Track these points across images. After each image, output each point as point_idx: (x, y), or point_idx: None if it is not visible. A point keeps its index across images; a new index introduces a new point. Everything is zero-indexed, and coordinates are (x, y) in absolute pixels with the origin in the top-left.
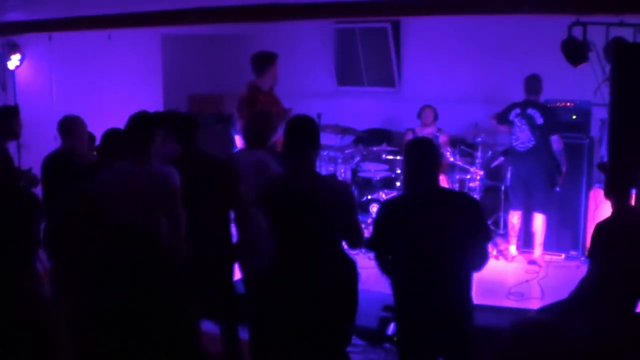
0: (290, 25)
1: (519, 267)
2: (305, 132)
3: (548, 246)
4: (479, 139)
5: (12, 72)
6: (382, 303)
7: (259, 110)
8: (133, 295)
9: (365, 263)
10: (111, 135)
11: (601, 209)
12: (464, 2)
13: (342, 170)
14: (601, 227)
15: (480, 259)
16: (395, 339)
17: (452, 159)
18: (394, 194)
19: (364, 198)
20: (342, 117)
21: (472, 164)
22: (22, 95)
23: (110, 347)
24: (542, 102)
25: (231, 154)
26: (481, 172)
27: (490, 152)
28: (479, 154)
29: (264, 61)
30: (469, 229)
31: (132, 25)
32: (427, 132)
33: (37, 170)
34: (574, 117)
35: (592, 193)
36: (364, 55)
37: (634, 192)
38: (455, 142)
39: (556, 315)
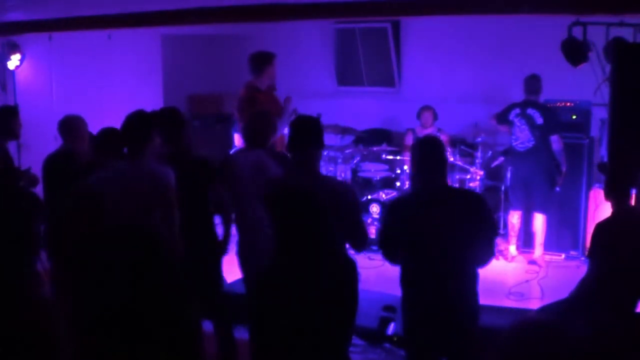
0: (290, 25)
1: (519, 267)
2: (308, 132)
3: (548, 246)
4: (479, 139)
5: (12, 72)
6: (382, 303)
7: (258, 110)
8: (133, 295)
9: (365, 263)
10: (106, 134)
11: (601, 209)
12: (464, 2)
13: (342, 170)
14: (601, 227)
15: (488, 254)
16: (395, 338)
17: (452, 159)
18: (394, 194)
19: (364, 198)
20: (342, 117)
21: (472, 164)
22: (22, 95)
23: (111, 348)
24: (542, 102)
25: (230, 154)
26: (481, 172)
27: (490, 152)
28: (479, 154)
29: (262, 61)
30: (477, 226)
31: (132, 25)
32: (427, 132)
33: (36, 170)
34: (574, 117)
35: (592, 193)
36: (364, 55)
37: (634, 192)
38: (455, 142)
39: (556, 315)
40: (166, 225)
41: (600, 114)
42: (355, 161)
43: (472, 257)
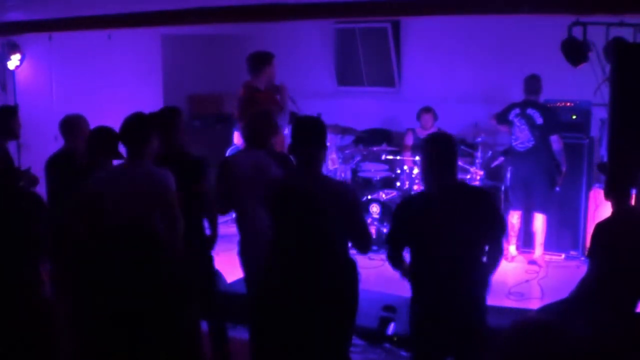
0: (290, 25)
1: (519, 267)
2: (311, 132)
3: (548, 246)
4: (479, 139)
5: (12, 72)
6: (382, 303)
7: (259, 110)
8: (133, 295)
9: (365, 263)
10: (99, 133)
11: (601, 209)
12: (464, 2)
13: (342, 170)
14: (601, 227)
15: (497, 253)
16: (395, 338)
17: None
18: (394, 194)
19: (364, 198)
20: (342, 117)
21: (472, 164)
22: (22, 95)
23: (111, 347)
24: (542, 102)
25: (230, 155)
26: (481, 172)
27: (490, 152)
28: (479, 154)
29: (261, 61)
30: (486, 223)
31: (132, 25)
32: (427, 132)
33: (36, 170)
34: (574, 117)
35: (592, 193)
36: (364, 55)
37: (634, 192)
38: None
39: (556, 315)
40: (169, 226)
41: (600, 114)
42: (355, 161)
43: (481, 255)
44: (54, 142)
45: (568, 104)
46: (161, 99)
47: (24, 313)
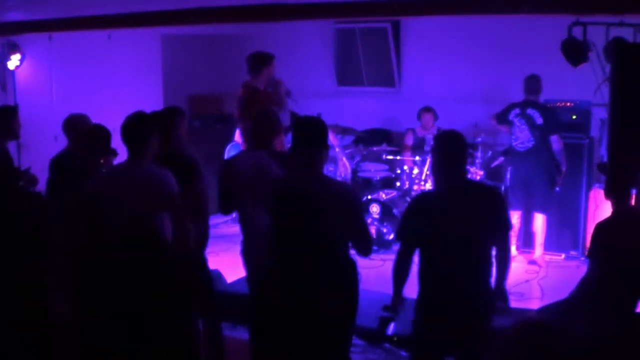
0: (290, 25)
1: (519, 267)
2: (311, 132)
3: (548, 246)
4: (479, 139)
5: (12, 72)
6: (382, 303)
7: (261, 110)
8: (133, 295)
9: (365, 263)
10: (92, 131)
11: (601, 209)
12: (464, 2)
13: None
14: (601, 227)
15: (506, 251)
16: (395, 338)
17: None
18: (394, 194)
19: (364, 198)
20: (342, 117)
21: (472, 164)
22: (22, 95)
23: (111, 347)
24: (542, 102)
25: (232, 156)
26: (481, 172)
27: (490, 152)
28: (479, 154)
29: (261, 61)
30: (493, 220)
31: (132, 25)
32: (428, 134)
33: (36, 170)
34: (574, 117)
35: (592, 193)
36: (364, 55)
37: (634, 192)
38: None
39: (556, 315)
40: (177, 226)
41: (600, 114)
42: (355, 161)
43: (489, 255)
44: (54, 142)
45: (568, 104)
46: (161, 99)
47: (24, 313)
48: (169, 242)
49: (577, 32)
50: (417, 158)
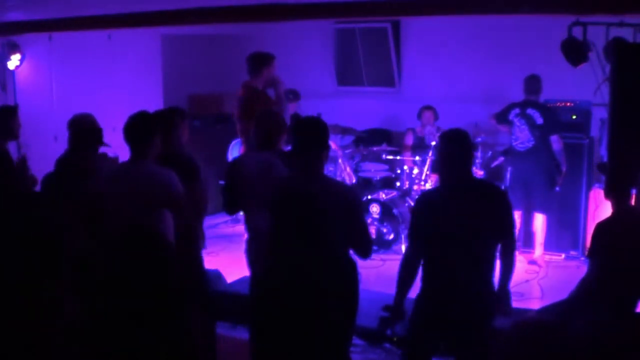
0: (290, 25)
1: (519, 267)
2: (313, 133)
3: (548, 246)
4: (479, 139)
5: (12, 72)
6: (382, 303)
7: (265, 111)
8: (133, 295)
9: (365, 263)
10: (84, 129)
11: (601, 209)
12: (464, 2)
13: (342, 170)
14: (601, 227)
15: (511, 251)
16: (395, 339)
17: None
18: (394, 194)
19: (364, 198)
20: (342, 117)
21: (473, 164)
22: (22, 95)
23: (111, 347)
24: (542, 102)
25: (238, 156)
26: (481, 172)
27: (490, 152)
28: (479, 154)
29: (261, 62)
30: (497, 221)
31: (132, 25)
32: (427, 131)
33: (36, 170)
34: (574, 117)
35: (592, 193)
36: (364, 55)
37: (634, 192)
38: None
39: (556, 315)
40: (184, 225)
41: (600, 114)
42: (355, 161)
43: (493, 254)
44: (53, 142)
45: (568, 104)
46: (161, 99)
47: (24, 313)
48: (170, 242)
49: (577, 32)
50: (417, 158)
